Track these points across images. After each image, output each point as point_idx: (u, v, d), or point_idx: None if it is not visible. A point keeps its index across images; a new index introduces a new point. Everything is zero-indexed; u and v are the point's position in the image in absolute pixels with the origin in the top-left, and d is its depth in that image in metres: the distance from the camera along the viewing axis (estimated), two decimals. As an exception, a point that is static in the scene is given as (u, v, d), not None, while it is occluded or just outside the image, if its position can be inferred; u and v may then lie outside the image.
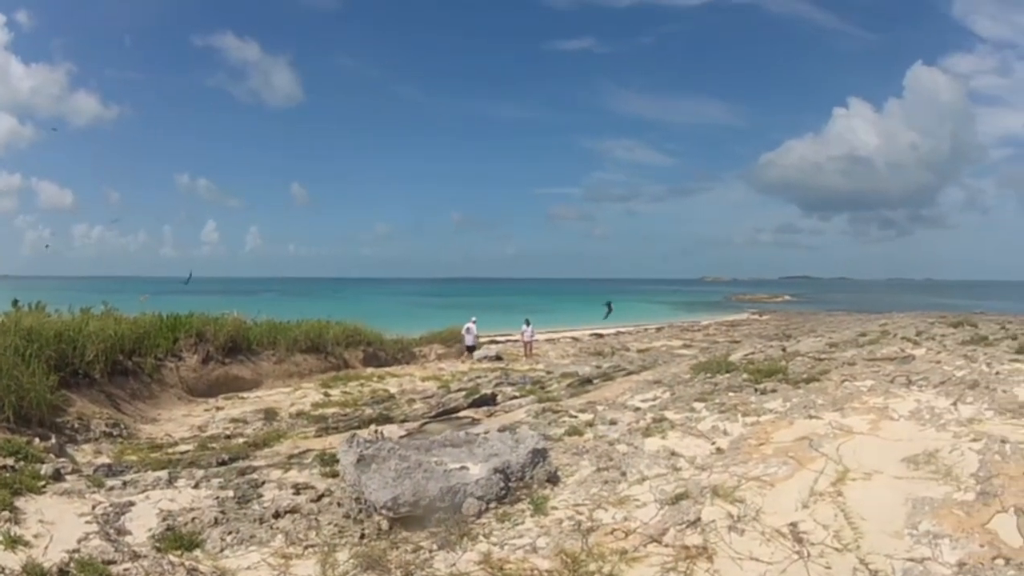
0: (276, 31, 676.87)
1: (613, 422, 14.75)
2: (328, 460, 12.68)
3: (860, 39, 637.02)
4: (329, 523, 9.89)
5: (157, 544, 9.00)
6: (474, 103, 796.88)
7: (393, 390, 26.22)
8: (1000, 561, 7.79)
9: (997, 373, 16.59)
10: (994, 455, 10.74)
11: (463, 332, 39.05)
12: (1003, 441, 11.24)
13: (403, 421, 18.71)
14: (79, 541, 8.62)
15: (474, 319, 39.65)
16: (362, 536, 9.49)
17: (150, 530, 9.48)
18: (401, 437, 14.86)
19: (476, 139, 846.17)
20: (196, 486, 11.56)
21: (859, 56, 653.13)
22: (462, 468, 10.62)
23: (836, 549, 8.38)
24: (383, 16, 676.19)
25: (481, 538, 9.30)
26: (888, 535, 8.60)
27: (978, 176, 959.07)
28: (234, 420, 20.21)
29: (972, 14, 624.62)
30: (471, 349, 38.32)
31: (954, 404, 13.99)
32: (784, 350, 26.23)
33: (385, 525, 9.74)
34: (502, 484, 10.51)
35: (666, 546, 8.75)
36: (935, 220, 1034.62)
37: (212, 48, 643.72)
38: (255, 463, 13.80)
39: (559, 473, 11.46)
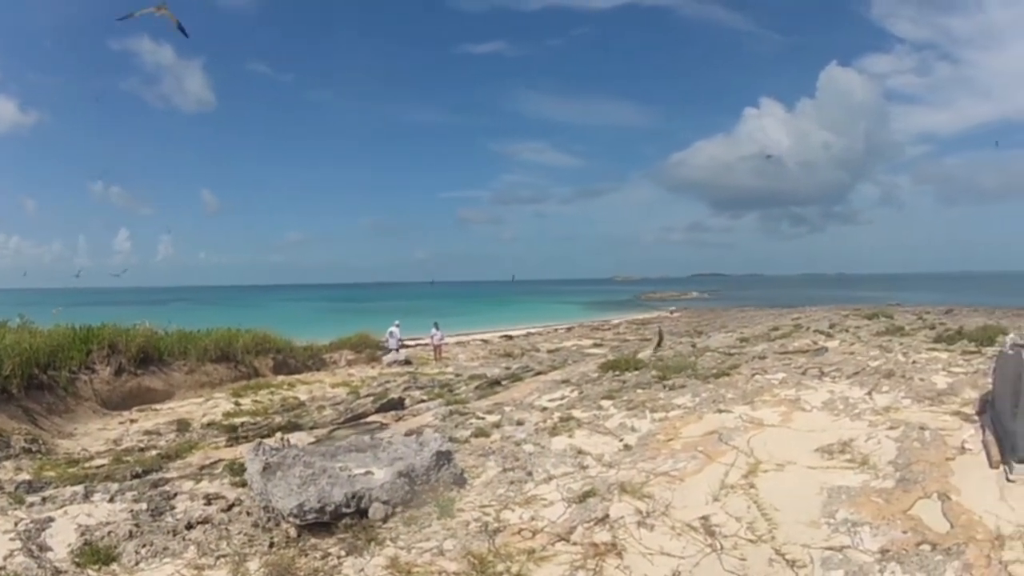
0: (190, 35, 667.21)
1: (520, 422, 14.70)
2: (237, 469, 12.40)
3: (775, 41, 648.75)
4: (239, 533, 9.64)
5: (76, 559, 8.82)
6: (385, 107, 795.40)
7: (303, 397, 25.68)
8: (926, 547, 7.72)
9: (914, 362, 16.86)
10: (913, 442, 10.79)
11: (387, 336, 38.56)
12: (922, 428, 11.34)
13: (312, 428, 18.36)
14: (4, 559, 8.55)
15: (397, 323, 39.16)
16: (271, 544, 9.26)
17: (69, 545, 9.26)
18: (310, 444, 14.54)
19: (386, 144, 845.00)
20: (111, 500, 11.25)
21: (773, 58, 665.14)
22: (367, 473, 10.41)
23: (750, 541, 8.29)
24: (296, 21, 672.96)
25: (388, 542, 9.09)
26: (804, 525, 8.54)
27: (893, 173, 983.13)
28: (148, 432, 19.69)
29: (891, 16, 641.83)
30: (394, 352, 37.66)
31: (869, 394, 14.16)
32: (694, 346, 26.56)
33: (293, 533, 9.48)
34: (407, 488, 10.32)
35: (574, 544, 8.62)
36: (849, 216, 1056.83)
37: (128, 52, 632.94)
38: (168, 475, 13.48)
39: (465, 475, 11.31)
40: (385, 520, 9.70)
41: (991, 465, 9.80)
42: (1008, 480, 9.29)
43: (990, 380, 12.51)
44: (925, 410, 12.82)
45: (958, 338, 21.05)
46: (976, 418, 11.81)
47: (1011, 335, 12.94)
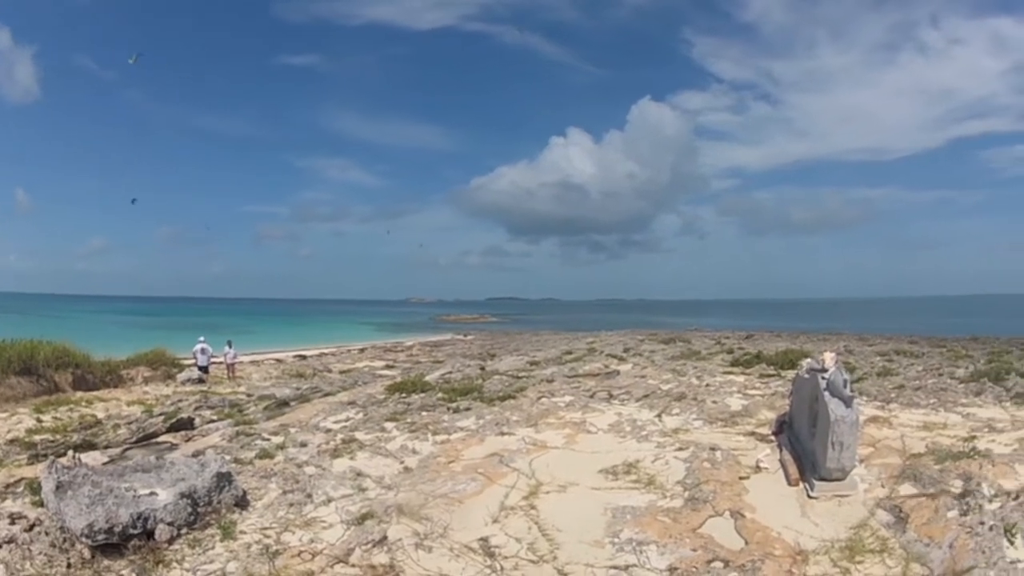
0: (30, 18, 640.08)
1: (303, 444, 14.57)
2: (36, 489, 11.96)
3: (590, 74, 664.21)
4: (40, 553, 9.25)
5: (-99, 577, 8.56)
6: (193, 113, 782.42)
7: (100, 415, 24.86)
8: (718, 564, 7.88)
9: (707, 385, 17.30)
10: (702, 462, 11.06)
11: (197, 352, 37.40)
12: (713, 449, 11.64)
13: (107, 447, 17.78)
14: None
15: (202, 338, 38.36)
16: (69, 566, 8.99)
17: None
18: (104, 463, 14.13)
19: (191, 151, 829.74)
20: (-72, 518, 10.89)
21: (586, 89, 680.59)
22: (151, 494, 10.14)
23: (532, 561, 8.37)
24: (127, 16, 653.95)
25: (174, 564, 8.91)
26: (588, 545, 8.65)
27: (698, 204, 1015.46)
28: (-43, 449, 18.96)
29: (713, 56, 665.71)
30: (205, 370, 36.95)
31: (658, 416, 14.51)
32: (483, 369, 26.83)
33: (88, 554, 9.17)
34: (190, 509, 10.16)
35: (353, 566, 8.61)
36: (649, 244, 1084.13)
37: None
38: (-25, 494, 13.01)
39: (248, 497, 11.17)
40: (171, 542, 9.52)
41: (789, 483, 10.17)
42: (809, 497, 9.64)
43: (788, 402, 12.86)
44: (717, 431, 13.24)
45: (756, 362, 21.77)
46: (772, 438, 12.22)
47: (808, 359, 13.37)
